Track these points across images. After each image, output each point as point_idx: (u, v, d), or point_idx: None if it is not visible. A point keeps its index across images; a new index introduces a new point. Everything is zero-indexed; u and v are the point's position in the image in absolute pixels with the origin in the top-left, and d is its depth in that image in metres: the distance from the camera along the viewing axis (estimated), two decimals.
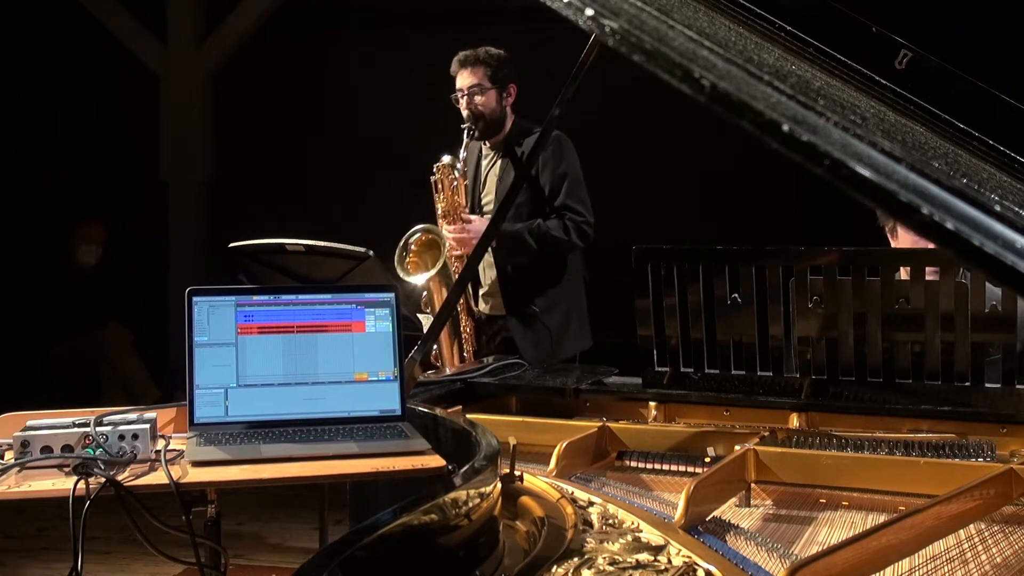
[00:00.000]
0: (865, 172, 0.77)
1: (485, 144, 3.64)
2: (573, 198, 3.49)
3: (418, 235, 3.40)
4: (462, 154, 3.52)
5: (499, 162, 3.61)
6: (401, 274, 3.30)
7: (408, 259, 3.37)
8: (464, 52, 3.56)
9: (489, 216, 3.53)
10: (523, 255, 3.48)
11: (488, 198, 3.61)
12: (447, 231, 3.44)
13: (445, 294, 3.35)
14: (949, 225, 0.75)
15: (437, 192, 3.51)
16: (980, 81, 1.60)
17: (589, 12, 0.95)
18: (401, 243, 3.35)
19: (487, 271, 3.61)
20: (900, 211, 0.76)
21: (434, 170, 3.51)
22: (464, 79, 3.53)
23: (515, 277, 3.55)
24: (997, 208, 0.85)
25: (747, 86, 0.87)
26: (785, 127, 0.80)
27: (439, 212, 3.50)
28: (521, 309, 3.52)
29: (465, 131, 3.51)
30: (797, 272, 2.16)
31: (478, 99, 3.50)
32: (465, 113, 3.51)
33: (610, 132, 6.36)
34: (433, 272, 3.31)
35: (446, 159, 3.49)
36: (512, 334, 3.51)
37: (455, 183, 3.48)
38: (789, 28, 1.64)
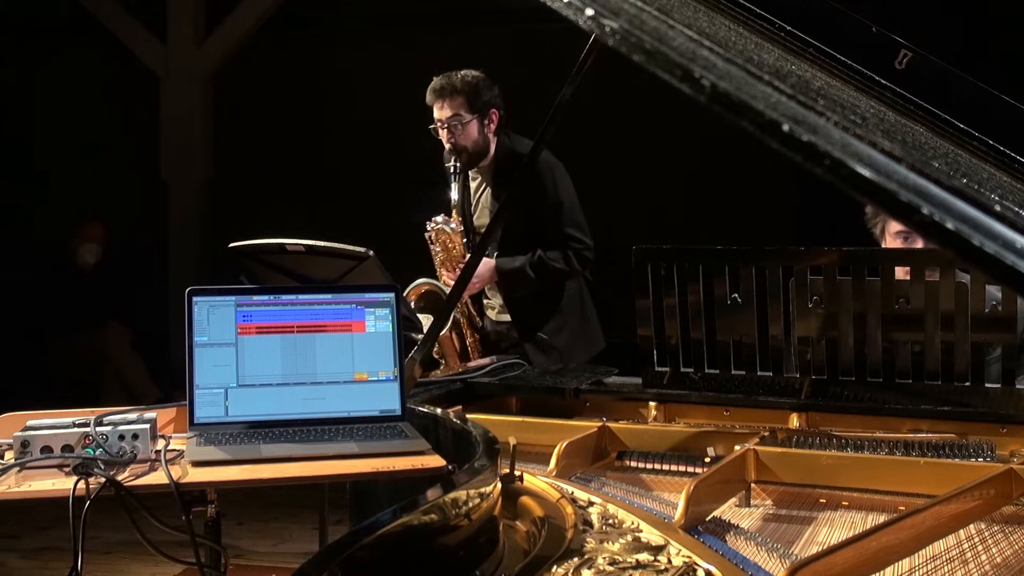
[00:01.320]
0: (865, 172, 0.77)
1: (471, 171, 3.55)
2: (571, 226, 3.41)
3: (416, 287, 3.38)
4: (453, 196, 3.42)
5: (490, 188, 3.52)
6: None
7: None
8: (438, 80, 3.40)
9: (486, 254, 3.48)
10: (524, 287, 3.44)
11: (481, 221, 3.55)
12: (447, 279, 3.42)
13: (452, 338, 3.35)
14: (949, 225, 0.75)
15: (432, 244, 3.47)
16: (980, 81, 1.60)
17: (589, 12, 0.95)
18: None
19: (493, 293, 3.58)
20: (900, 211, 0.76)
21: (428, 228, 3.46)
22: (442, 111, 3.38)
23: (524, 307, 3.50)
24: (997, 208, 0.85)
25: (747, 86, 0.87)
26: (785, 127, 0.80)
27: (437, 262, 3.48)
28: (533, 336, 3.48)
29: (449, 170, 3.39)
30: (797, 272, 2.16)
31: (459, 132, 3.36)
32: (447, 146, 3.39)
33: (610, 132, 6.36)
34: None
35: (439, 220, 3.43)
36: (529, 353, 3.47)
37: (450, 241, 3.44)
38: (789, 28, 1.64)
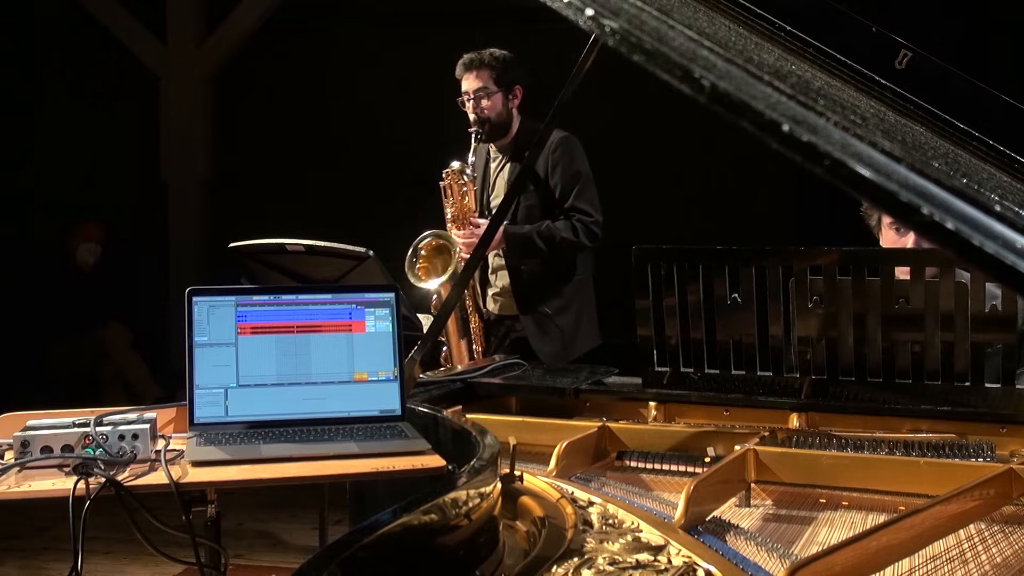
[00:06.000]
0: (865, 172, 0.77)
1: (492, 147, 3.65)
2: (582, 199, 3.51)
3: (428, 240, 3.42)
4: (471, 158, 3.54)
5: (508, 165, 3.62)
6: (412, 280, 3.33)
7: (419, 264, 3.40)
8: (468, 55, 3.56)
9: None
10: (533, 256, 3.51)
11: (497, 201, 3.61)
12: (456, 235, 3.46)
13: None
14: (949, 225, 0.75)
15: (446, 197, 3.54)
16: (980, 81, 1.60)
17: (589, 12, 0.94)
18: (411, 249, 3.38)
19: (498, 273, 3.63)
20: (900, 211, 0.76)
21: (443, 176, 3.54)
22: (469, 83, 3.54)
23: (529, 278, 3.57)
24: (997, 208, 0.85)
25: (747, 86, 0.87)
26: (785, 127, 0.80)
27: (448, 216, 3.54)
28: (534, 310, 3.55)
29: (473, 135, 3.52)
30: (797, 272, 2.16)
31: (484, 103, 3.51)
32: (471, 117, 3.53)
33: (610, 132, 6.35)
34: (444, 278, 3.33)
35: (455, 165, 3.53)
36: (526, 334, 3.54)
37: (464, 188, 3.52)
38: (789, 28, 1.64)
